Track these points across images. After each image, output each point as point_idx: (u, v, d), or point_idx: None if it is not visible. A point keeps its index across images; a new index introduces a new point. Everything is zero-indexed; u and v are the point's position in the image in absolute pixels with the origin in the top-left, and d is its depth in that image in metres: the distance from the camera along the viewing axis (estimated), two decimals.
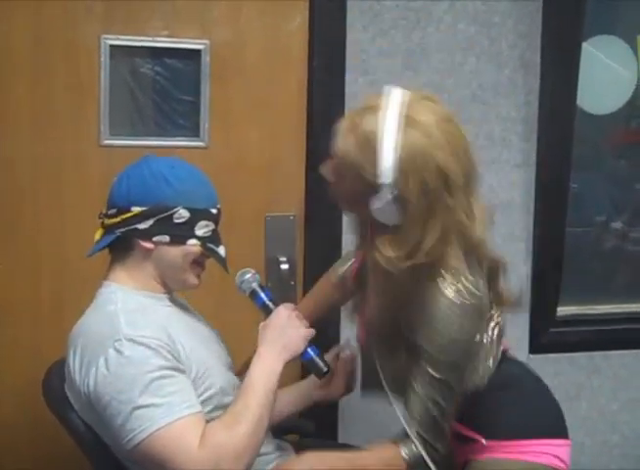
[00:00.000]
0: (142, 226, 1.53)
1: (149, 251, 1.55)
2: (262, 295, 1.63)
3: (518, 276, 2.48)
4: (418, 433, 1.51)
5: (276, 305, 1.61)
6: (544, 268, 2.53)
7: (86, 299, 1.59)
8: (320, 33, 2.24)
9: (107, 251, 1.61)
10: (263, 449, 1.51)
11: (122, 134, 2.17)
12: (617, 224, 2.73)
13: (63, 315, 2.07)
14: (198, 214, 1.55)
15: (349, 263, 1.86)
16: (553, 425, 1.71)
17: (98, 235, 1.60)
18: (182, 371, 1.47)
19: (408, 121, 1.42)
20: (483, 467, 1.64)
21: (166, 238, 1.54)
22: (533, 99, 2.44)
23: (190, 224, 1.55)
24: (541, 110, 2.44)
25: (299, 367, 2.06)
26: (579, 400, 2.64)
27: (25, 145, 2.11)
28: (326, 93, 2.25)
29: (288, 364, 1.54)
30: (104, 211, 1.59)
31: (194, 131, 2.21)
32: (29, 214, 2.14)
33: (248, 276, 1.64)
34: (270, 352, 1.52)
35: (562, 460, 1.66)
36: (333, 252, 2.23)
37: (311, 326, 1.61)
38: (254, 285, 1.64)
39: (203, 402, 1.49)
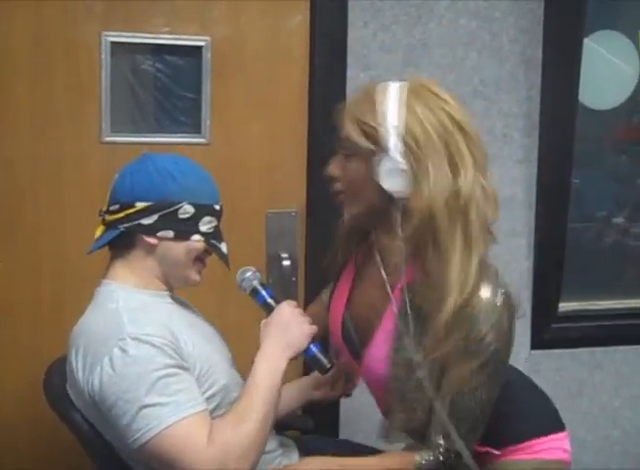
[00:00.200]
0: (146, 221, 1.52)
1: (152, 246, 1.54)
2: (263, 292, 1.61)
3: (519, 272, 2.48)
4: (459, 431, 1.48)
5: (278, 302, 1.60)
6: (546, 264, 2.53)
7: (86, 298, 1.58)
8: (321, 31, 2.24)
9: (107, 250, 1.60)
10: (267, 447, 1.50)
11: (124, 131, 2.16)
12: (618, 220, 2.73)
13: (63, 315, 2.07)
14: (202, 210, 1.55)
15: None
16: (554, 420, 1.72)
17: (99, 232, 1.59)
18: (186, 369, 1.46)
19: (411, 93, 1.44)
20: (505, 468, 1.64)
21: (170, 233, 1.53)
22: (535, 94, 2.44)
23: (194, 220, 1.54)
24: (543, 105, 2.44)
25: (301, 364, 2.05)
26: (581, 396, 2.64)
27: (25, 145, 2.10)
28: (327, 89, 2.25)
29: (290, 361, 1.53)
30: (105, 208, 1.58)
31: (195, 128, 2.21)
32: (29, 214, 2.13)
33: (248, 274, 1.63)
34: (274, 350, 1.51)
35: (566, 451, 1.69)
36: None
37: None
38: (255, 283, 1.62)
39: (207, 400, 1.48)
